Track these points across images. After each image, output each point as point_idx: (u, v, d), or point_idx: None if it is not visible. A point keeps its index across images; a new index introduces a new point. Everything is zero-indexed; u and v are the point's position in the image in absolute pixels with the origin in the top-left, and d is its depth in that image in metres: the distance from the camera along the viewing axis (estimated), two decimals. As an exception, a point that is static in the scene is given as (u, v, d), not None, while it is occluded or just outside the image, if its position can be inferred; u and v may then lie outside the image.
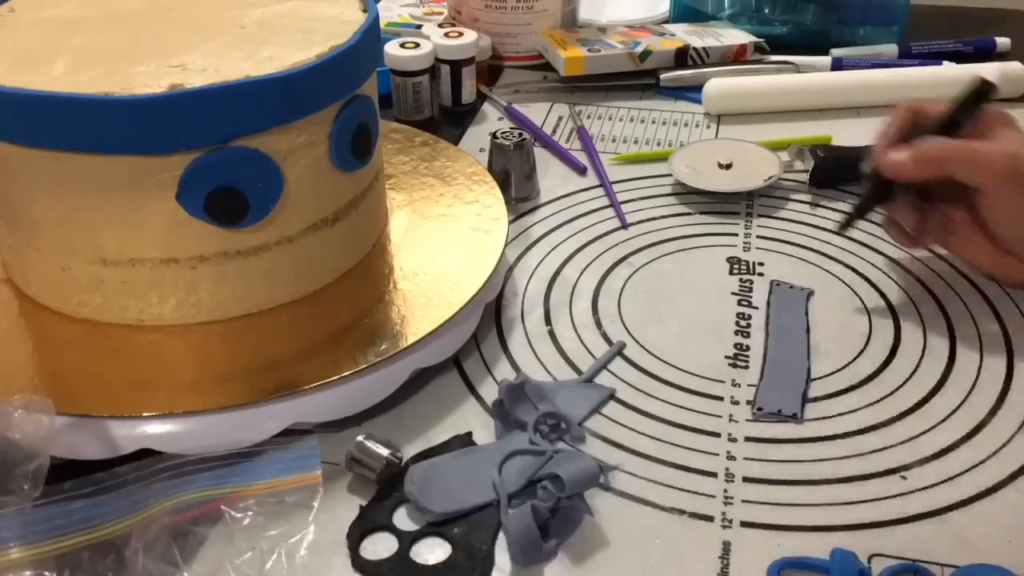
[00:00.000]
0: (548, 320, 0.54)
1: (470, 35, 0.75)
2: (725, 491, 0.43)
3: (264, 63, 0.45)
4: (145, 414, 0.43)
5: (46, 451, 0.38)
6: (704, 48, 0.80)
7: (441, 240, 0.55)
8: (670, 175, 0.66)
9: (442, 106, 0.77)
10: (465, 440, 0.46)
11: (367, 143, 0.51)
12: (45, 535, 0.37)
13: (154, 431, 0.42)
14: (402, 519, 0.42)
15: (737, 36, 0.83)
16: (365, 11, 0.51)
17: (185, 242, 0.45)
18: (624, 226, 0.62)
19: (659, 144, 0.72)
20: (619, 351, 0.52)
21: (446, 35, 0.75)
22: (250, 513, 0.40)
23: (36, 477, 0.37)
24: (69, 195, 0.44)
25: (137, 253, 0.46)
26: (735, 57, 0.81)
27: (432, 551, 0.40)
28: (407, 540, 0.41)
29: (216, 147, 0.43)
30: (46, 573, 0.36)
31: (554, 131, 0.74)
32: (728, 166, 0.66)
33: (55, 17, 0.50)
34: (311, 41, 0.47)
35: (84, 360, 0.46)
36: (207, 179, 0.44)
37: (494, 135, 0.64)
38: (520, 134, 0.64)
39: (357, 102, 0.49)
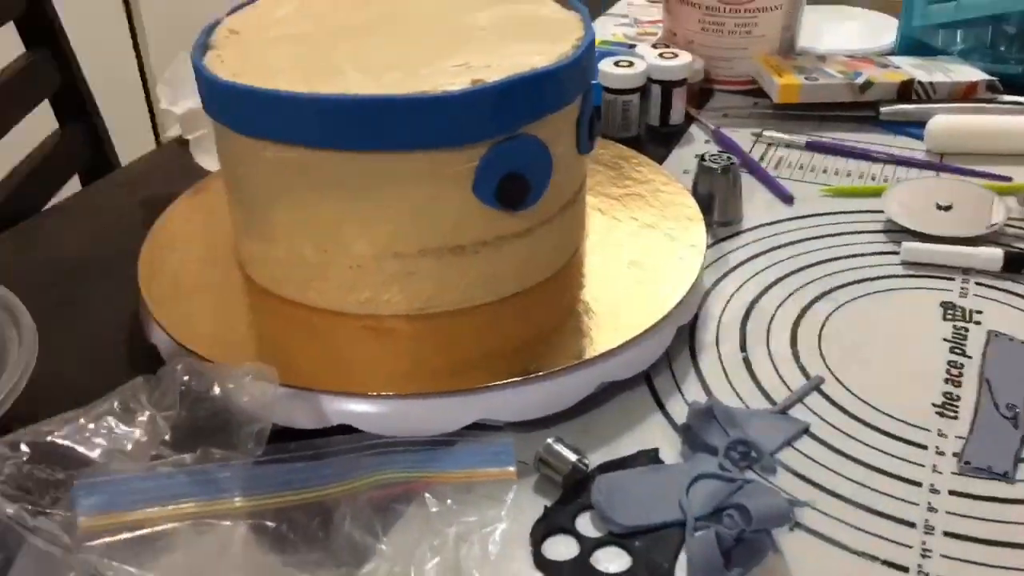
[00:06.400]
0: (743, 347, 0.53)
1: (685, 56, 0.75)
2: (923, 543, 0.41)
3: (531, 56, 0.47)
4: (348, 391, 0.45)
5: (268, 416, 0.42)
6: (931, 83, 0.76)
7: (638, 256, 0.55)
8: (882, 212, 0.64)
9: (649, 125, 0.77)
10: (652, 456, 0.46)
11: (596, 127, 0.55)
12: (267, 490, 0.41)
13: (355, 409, 0.45)
14: (584, 525, 0.42)
15: (968, 73, 0.78)
16: (567, 8, 0.54)
17: (470, 228, 0.48)
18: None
19: (873, 179, 0.70)
20: (816, 386, 0.50)
21: (660, 55, 0.75)
22: (447, 500, 0.41)
23: (259, 438, 0.41)
24: (361, 193, 0.47)
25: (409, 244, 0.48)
26: (964, 94, 0.77)
27: (612, 560, 0.41)
28: (588, 546, 0.41)
29: (508, 136, 0.47)
30: (267, 522, 0.39)
31: (762, 158, 0.73)
32: (948, 208, 0.63)
33: (286, 35, 0.51)
34: (553, 37, 0.50)
35: (305, 341, 0.49)
36: (499, 167, 0.47)
37: (702, 157, 0.64)
38: (728, 158, 0.64)
39: (590, 91, 0.52)
